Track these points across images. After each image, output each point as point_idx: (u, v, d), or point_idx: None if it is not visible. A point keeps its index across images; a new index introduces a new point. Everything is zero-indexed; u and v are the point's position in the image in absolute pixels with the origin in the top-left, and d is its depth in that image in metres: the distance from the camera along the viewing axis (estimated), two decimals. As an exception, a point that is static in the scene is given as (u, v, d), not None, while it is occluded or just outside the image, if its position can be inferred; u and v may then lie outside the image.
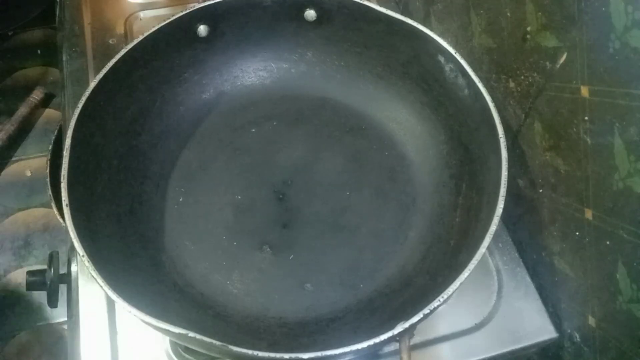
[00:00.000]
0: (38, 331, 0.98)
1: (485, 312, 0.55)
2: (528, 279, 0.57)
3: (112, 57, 0.52)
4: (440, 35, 0.52)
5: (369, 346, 0.40)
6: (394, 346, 0.51)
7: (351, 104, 0.62)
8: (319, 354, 0.42)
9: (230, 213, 0.56)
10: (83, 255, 0.42)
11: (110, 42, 0.71)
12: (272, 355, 0.39)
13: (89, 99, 0.49)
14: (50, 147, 1.01)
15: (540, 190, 0.55)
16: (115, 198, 0.52)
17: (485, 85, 0.50)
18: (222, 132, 0.61)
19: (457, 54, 0.51)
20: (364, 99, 0.62)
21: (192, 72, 0.60)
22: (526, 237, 0.59)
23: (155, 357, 0.51)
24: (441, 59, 0.53)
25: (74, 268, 0.56)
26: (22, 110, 1.22)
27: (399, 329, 0.41)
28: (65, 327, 0.97)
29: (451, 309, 0.54)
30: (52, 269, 0.57)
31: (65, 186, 0.44)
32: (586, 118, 0.45)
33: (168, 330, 0.39)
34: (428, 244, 0.54)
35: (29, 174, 1.19)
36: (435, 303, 0.41)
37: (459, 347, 0.53)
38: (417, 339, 0.52)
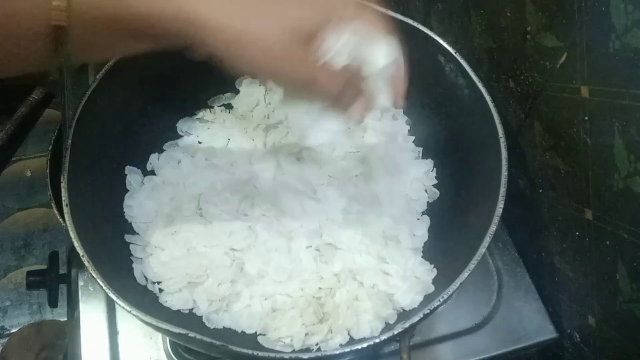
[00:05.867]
0: (39, 325, 0.98)
1: (485, 312, 0.55)
2: (528, 279, 0.57)
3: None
4: (440, 35, 0.52)
5: (368, 346, 0.40)
6: (394, 346, 0.51)
7: (351, 104, 0.62)
8: (319, 354, 0.42)
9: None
10: (83, 255, 0.42)
11: (110, 42, 0.71)
12: (272, 355, 0.39)
13: (89, 99, 0.49)
14: (50, 147, 1.00)
15: (540, 190, 0.55)
16: (116, 198, 0.52)
17: (485, 85, 0.50)
18: (222, 132, 0.61)
19: (457, 54, 0.51)
20: (364, 99, 0.62)
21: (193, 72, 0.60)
22: (526, 237, 0.59)
23: (155, 357, 0.51)
24: (441, 59, 0.53)
25: (74, 268, 0.55)
26: (22, 110, 1.22)
27: (399, 329, 0.41)
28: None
29: (451, 309, 0.54)
30: (52, 269, 0.57)
31: (65, 186, 0.44)
32: (586, 118, 0.45)
33: (168, 330, 0.39)
34: (428, 244, 0.54)
35: (29, 174, 1.19)
36: (435, 303, 0.41)
37: (459, 347, 0.53)
38: (417, 339, 0.52)
